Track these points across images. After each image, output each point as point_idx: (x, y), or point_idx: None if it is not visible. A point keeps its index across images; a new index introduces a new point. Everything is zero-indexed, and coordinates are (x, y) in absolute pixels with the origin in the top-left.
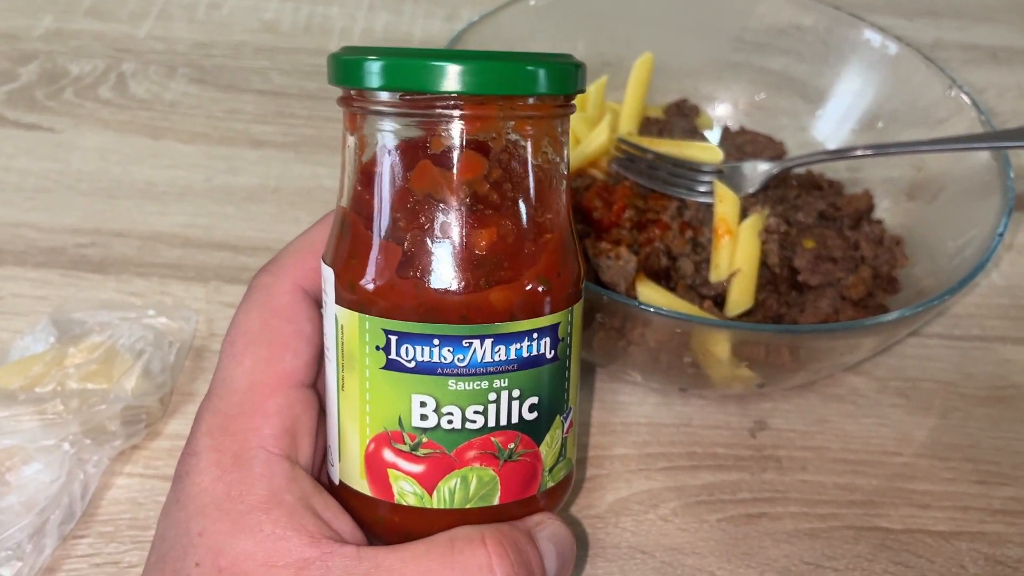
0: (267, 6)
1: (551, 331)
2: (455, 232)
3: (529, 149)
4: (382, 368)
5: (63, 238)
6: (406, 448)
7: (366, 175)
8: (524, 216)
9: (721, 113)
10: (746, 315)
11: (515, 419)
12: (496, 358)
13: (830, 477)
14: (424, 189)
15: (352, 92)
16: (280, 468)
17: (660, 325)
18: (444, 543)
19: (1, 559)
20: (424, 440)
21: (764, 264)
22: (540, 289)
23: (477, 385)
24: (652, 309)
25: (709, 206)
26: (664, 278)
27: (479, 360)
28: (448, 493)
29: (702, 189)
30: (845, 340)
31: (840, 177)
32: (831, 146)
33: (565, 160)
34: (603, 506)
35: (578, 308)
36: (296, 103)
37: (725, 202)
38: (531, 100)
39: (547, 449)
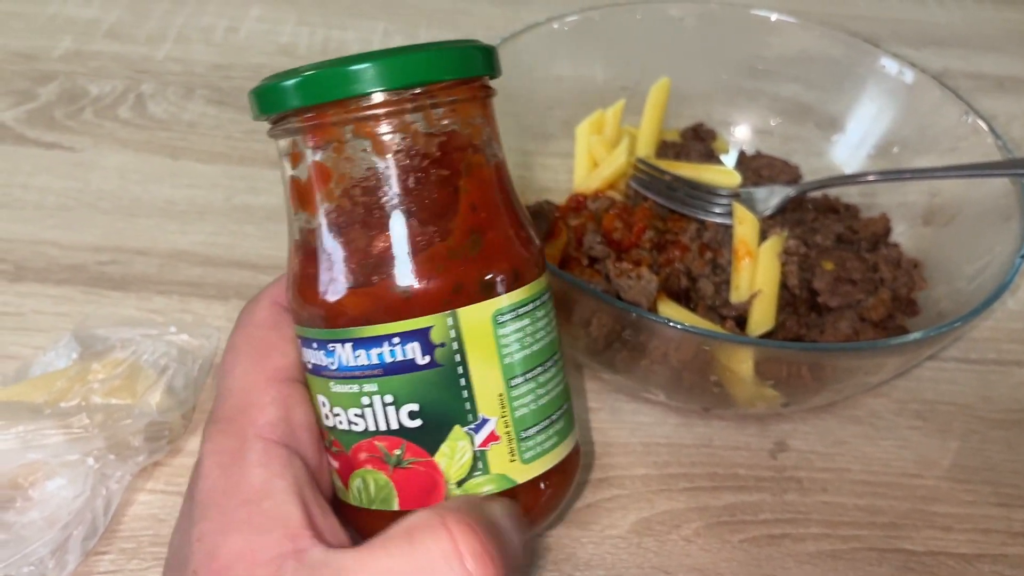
0: (283, 29)
1: (419, 336)
2: (318, 242)
3: (379, 150)
4: (307, 370)
5: (84, 256)
6: (326, 444)
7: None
8: (388, 221)
9: (737, 137)
10: (766, 336)
11: (395, 425)
12: (359, 362)
13: (851, 499)
14: (296, 207)
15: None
16: (276, 453)
17: (685, 343)
18: (402, 536)
19: (24, 574)
20: (332, 439)
21: (784, 286)
22: (399, 293)
23: (350, 388)
24: (680, 325)
25: (728, 228)
26: (684, 299)
27: (345, 364)
28: (357, 492)
29: (720, 211)
30: (870, 359)
31: (855, 201)
32: (847, 171)
33: (412, 159)
34: (625, 526)
35: (468, 313)
36: None
37: (745, 224)
38: (364, 102)
39: (447, 461)
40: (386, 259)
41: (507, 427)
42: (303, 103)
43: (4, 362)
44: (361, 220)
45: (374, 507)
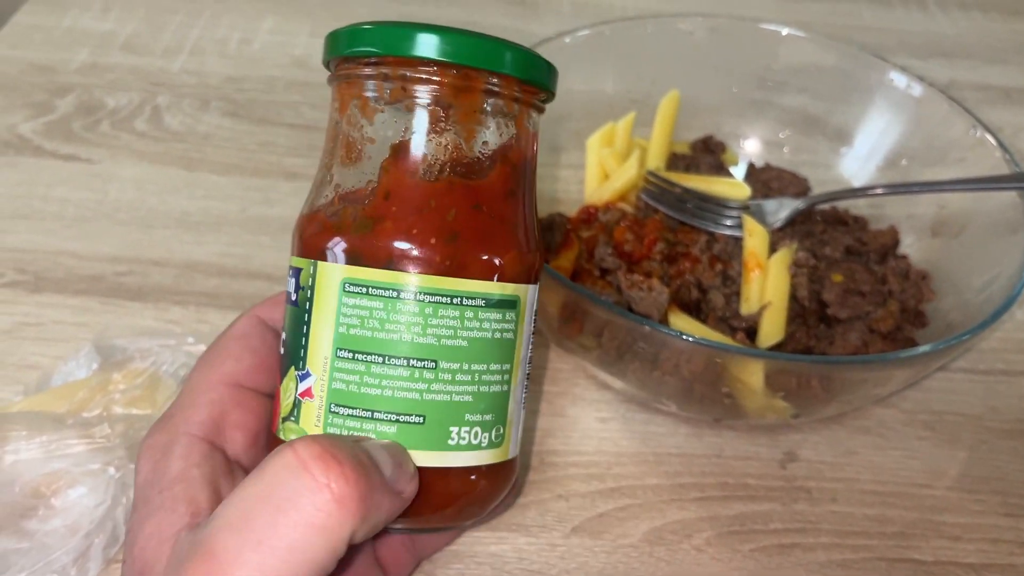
0: (297, 42)
1: (296, 273)
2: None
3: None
4: None
5: (102, 266)
6: None
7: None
8: (342, 168)
9: (746, 149)
10: (776, 347)
11: (280, 349)
12: (288, 288)
13: (860, 509)
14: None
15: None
16: (198, 448)
17: (696, 355)
18: (256, 469)
19: None
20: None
21: (793, 297)
22: (304, 235)
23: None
24: (692, 338)
25: (738, 240)
26: (695, 310)
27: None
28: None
29: (729, 223)
30: (879, 372)
31: (864, 213)
32: (856, 183)
33: (368, 126)
34: (637, 535)
35: (324, 268)
36: None
37: (755, 236)
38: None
39: (283, 393)
40: (317, 204)
41: (322, 391)
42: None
43: (25, 372)
44: (353, 159)
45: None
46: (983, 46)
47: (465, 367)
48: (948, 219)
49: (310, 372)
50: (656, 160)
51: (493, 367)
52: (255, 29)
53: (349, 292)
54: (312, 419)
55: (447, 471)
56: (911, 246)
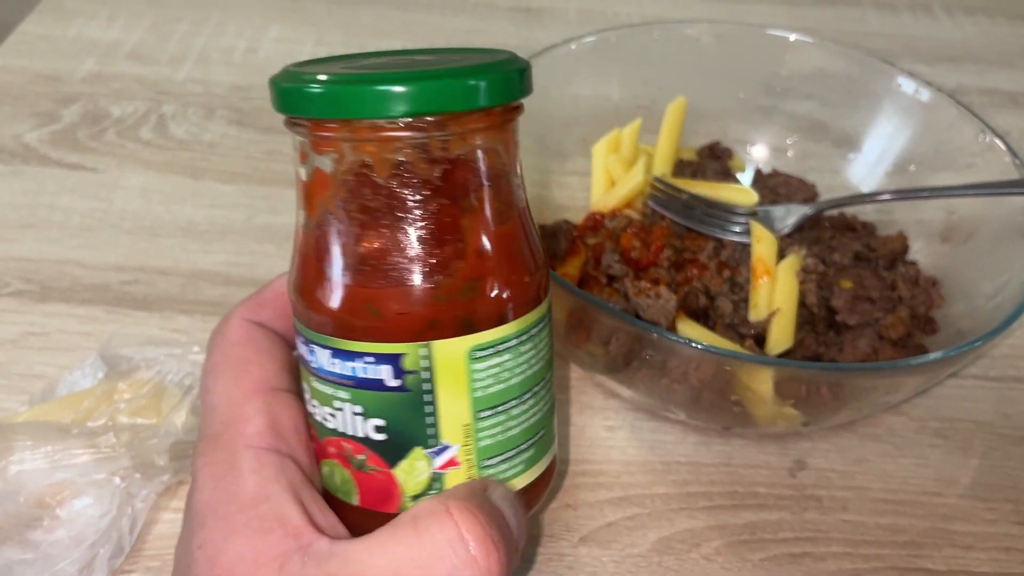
0: (302, 50)
1: (391, 360)
2: (314, 243)
3: (379, 170)
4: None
5: (107, 275)
6: (309, 423)
7: None
8: (383, 241)
9: (753, 155)
10: (785, 354)
11: (361, 433)
12: (334, 369)
13: (871, 517)
14: (300, 203)
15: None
16: (268, 460)
17: (705, 362)
18: (408, 524)
19: None
20: (311, 423)
21: (802, 304)
22: (374, 316)
23: (325, 389)
24: (701, 345)
25: (745, 246)
26: (703, 317)
27: (323, 367)
28: (326, 475)
29: (737, 230)
30: (889, 379)
31: (873, 219)
32: (864, 189)
33: (420, 193)
34: (646, 544)
35: (443, 347)
36: None
37: (763, 242)
38: (364, 124)
39: (404, 475)
40: (371, 280)
41: (468, 455)
42: (310, 114)
43: (31, 381)
44: (355, 235)
45: (338, 495)
46: (989, 51)
47: (548, 376)
48: (958, 225)
49: (448, 444)
50: (662, 166)
51: (549, 373)
52: (261, 38)
53: (477, 359)
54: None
55: (551, 465)
56: (920, 252)
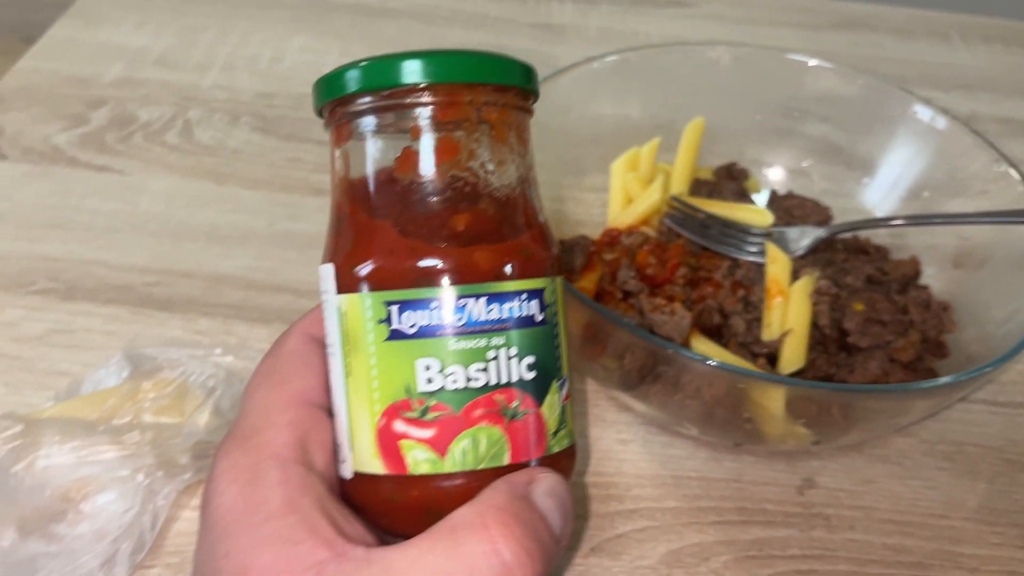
0: (326, 60)
1: (538, 295)
2: (440, 208)
3: (496, 137)
4: (386, 340)
5: (132, 276)
6: (415, 414)
7: (357, 174)
8: (500, 194)
9: (769, 177)
10: (796, 374)
11: (515, 377)
12: (490, 316)
13: (879, 537)
14: (408, 174)
15: (336, 105)
16: (295, 473)
17: (718, 379)
18: (446, 534)
19: None
20: (432, 403)
21: (814, 325)
22: (521, 255)
23: (476, 343)
24: (714, 363)
25: (760, 266)
26: (716, 335)
27: (474, 319)
28: (460, 454)
29: (752, 250)
30: (899, 401)
31: (886, 242)
32: (878, 212)
33: (531, 155)
34: (655, 557)
35: (559, 283)
36: None
37: (777, 263)
38: (493, 89)
39: (548, 411)
40: (510, 228)
41: (571, 388)
42: (445, 79)
43: (55, 378)
44: (487, 192)
45: (481, 466)
46: (1005, 79)
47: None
48: (970, 251)
49: (566, 377)
50: (679, 185)
51: None
52: (286, 47)
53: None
54: (572, 414)
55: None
56: (933, 277)
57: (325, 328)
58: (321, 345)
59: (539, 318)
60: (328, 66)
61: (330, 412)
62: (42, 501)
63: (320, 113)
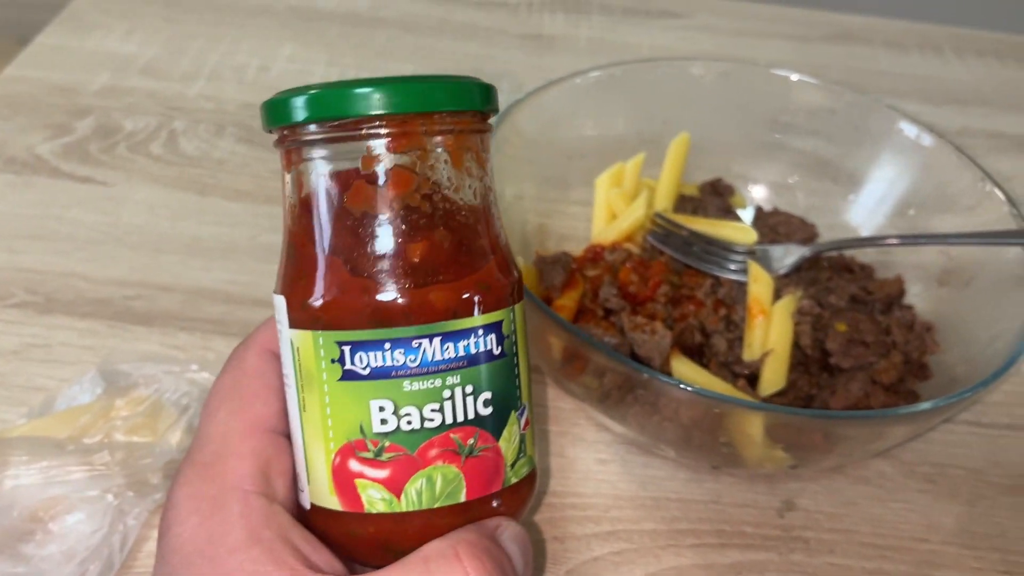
0: (314, 70)
1: (495, 328)
2: (393, 243)
3: (452, 163)
4: (339, 380)
5: (110, 290)
6: (370, 455)
7: (306, 204)
8: (457, 224)
9: (755, 193)
10: (777, 395)
11: (471, 415)
12: (446, 355)
13: (858, 561)
14: (360, 207)
15: (285, 131)
16: (257, 504)
17: (694, 404)
18: (418, 564)
19: None
20: (387, 444)
21: (796, 345)
22: (480, 289)
23: (431, 383)
24: (691, 388)
25: (742, 285)
26: (697, 354)
27: (429, 359)
28: (416, 494)
29: (734, 268)
30: (879, 427)
31: (871, 260)
32: (863, 230)
33: (490, 175)
34: None
35: (519, 308)
36: None
37: (759, 282)
38: (448, 116)
39: (506, 444)
40: (467, 260)
41: (531, 412)
42: (398, 110)
43: (31, 393)
44: (443, 223)
45: (436, 505)
46: (997, 93)
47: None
48: (956, 269)
49: (525, 404)
50: (664, 201)
51: None
52: (273, 56)
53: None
54: (531, 441)
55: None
56: (918, 295)
57: (282, 360)
58: (280, 364)
59: (497, 351)
60: (316, 76)
61: (287, 436)
62: (10, 521)
63: (269, 131)
